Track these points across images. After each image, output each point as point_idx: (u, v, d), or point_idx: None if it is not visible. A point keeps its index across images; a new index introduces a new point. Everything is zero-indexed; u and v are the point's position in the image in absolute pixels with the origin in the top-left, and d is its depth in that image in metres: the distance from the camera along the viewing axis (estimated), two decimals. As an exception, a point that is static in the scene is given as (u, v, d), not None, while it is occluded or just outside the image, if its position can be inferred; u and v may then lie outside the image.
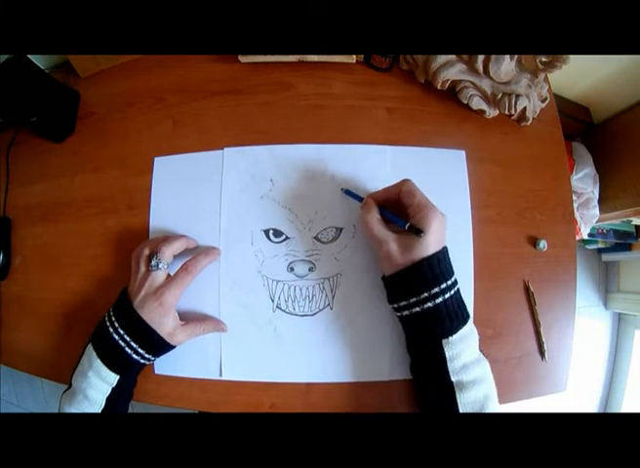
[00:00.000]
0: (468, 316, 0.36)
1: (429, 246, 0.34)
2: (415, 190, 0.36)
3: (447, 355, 0.34)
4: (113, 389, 0.37)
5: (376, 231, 0.36)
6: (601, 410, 1.26)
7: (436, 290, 0.34)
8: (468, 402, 0.33)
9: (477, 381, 0.34)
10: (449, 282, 0.35)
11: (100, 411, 0.37)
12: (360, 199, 0.41)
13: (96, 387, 0.37)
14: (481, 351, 0.37)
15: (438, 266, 0.34)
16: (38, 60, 0.50)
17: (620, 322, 1.28)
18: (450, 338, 0.34)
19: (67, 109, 0.51)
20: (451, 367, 0.34)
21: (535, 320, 0.43)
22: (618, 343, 1.27)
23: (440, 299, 0.34)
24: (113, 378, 0.37)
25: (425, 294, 0.34)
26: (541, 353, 0.43)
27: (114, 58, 0.52)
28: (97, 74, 0.53)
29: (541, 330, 0.43)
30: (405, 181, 0.37)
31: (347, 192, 0.42)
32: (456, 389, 0.34)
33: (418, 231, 0.34)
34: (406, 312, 0.35)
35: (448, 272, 0.35)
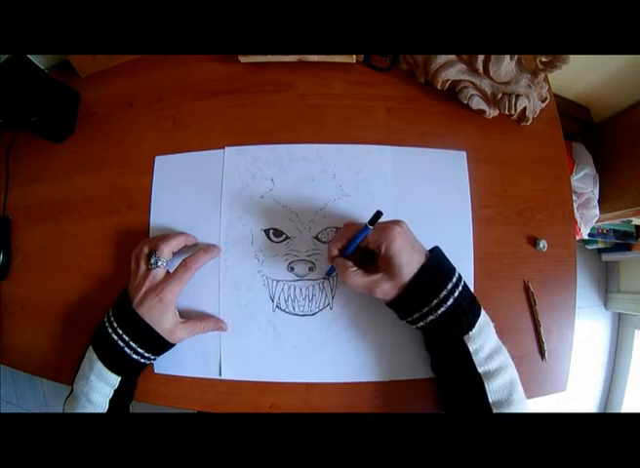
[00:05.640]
0: (480, 306, 0.36)
1: (411, 264, 0.34)
2: (355, 224, 0.37)
3: (471, 349, 0.34)
4: (115, 391, 0.37)
5: (362, 284, 0.36)
6: (601, 410, 1.26)
7: (444, 292, 0.34)
8: (497, 389, 0.34)
9: (502, 368, 0.35)
10: (453, 279, 0.35)
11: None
12: (332, 270, 0.41)
13: (98, 390, 0.37)
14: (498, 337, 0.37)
15: (433, 274, 0.35)
16: (38, 60, 0.50)
17: (620, 322, 1.28)
18: (470, 333, 0.35)
19: (67, 109, 0.51)
20: (476, 359, 0.34)
21: (535, 320, 0.43)
22: (618, 343, 1.27)
23: (451, 300, 0.34)
24: (115, 380, 0.37)
25: (435, 301, 0.34)
26: (541, 353, 0.43)
27: (114, 58, 0.52)
28: (97, 74, 0.53)
29: (541, 330, 0.43)
30: (347, 223, 0.39)
31: (329, 273, 0.42)
32: (484, 379, 0.34)
33: (377, 215, 0.35)
34: (421, 323, 0.36)
35: (448, 272, 0.36)
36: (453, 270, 0.36)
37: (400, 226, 0.36)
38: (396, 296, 0.35)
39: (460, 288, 0.35)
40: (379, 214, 0.35)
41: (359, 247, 0.37)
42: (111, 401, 0.37)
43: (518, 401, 0.34)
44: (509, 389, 0.34)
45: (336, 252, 0.38)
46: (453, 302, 0.34)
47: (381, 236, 0.35)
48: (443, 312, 0.34)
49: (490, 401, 0.34)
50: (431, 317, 0.35)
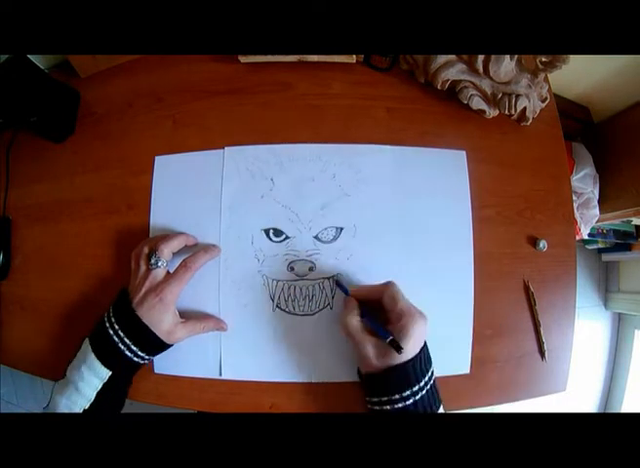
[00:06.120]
0: (440, 402, 0.36)
1: (408, 352, 0.34)
2: (397, 295, 0.36)
3: None
4: (104, 384, 0.37)
5: (353, 333, 0.36)
6: (601, 410, 1.26)
7: (416, 388, 0.34)
8: None
9: None
10: (427, 376, 0.35)
11: (88, 405, 0.37)
12: (346, 292, 0.40)
13: (87, 381, 0.37)
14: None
15: (417, 368, 0.34)
16: (38, 60, 0.50)
17: (620, 322, 1.28)
18: None
19: (67, 109, 0.51)
20: None
21: (535, 320, 0.43)
22: (618, 343, 1.27)
23: (419, 396, 0.34)
24: (105, 373, 0.37)
25: (407, 392, 0.34)
26: (541, 353, 0.43)
27: (114, 58, 0.52)
28: (97, 74, 0.53)
29: (541, 330, 0.43)
30: (388, 285, 0.37)
31: (337, 283, 0.42)
32: None
33: (398, 348, 0.34)
34: (382, 407, 0.35)
35: (426, 368, 0.35)
36: (430, 365, 0.36)
37: (425, 322, 0.35)
38: (373, 373, 0.35)
39: (430, 385, 0.35)
40: (400, 348, 0.34)
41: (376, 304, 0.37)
42: (99, 393, 0.37)
43: None
44: None
45: (354, 303, 0.38)
46: (419, 398, 0.34)
47: (404, 318, 0.34)
48: (409, 405, 0.33)
49: None
50: (399, 405, 0.34)
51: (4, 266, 0.48)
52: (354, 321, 0.37)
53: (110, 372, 0.37)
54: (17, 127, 0.50)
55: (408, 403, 0.34)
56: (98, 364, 0.37)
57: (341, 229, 0.43)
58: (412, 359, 0.34)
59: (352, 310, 0.38)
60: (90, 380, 0.37)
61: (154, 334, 0.38)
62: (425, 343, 0.36)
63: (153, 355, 0.40)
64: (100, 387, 0.37)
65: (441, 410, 0.36)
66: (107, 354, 0.37)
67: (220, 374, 0.42)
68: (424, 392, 0.34)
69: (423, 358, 0.35)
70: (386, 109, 0.47)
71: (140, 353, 0.38)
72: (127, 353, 0.37)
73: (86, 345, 0.38)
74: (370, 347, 0.35)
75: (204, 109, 0.48)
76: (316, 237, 0.43)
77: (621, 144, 0.86)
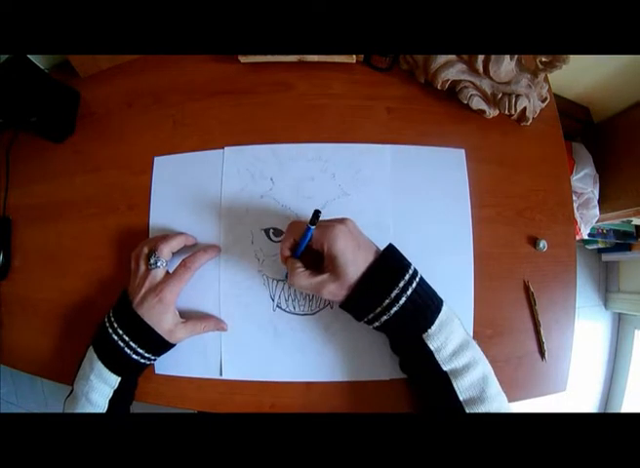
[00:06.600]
0: (441, 302, 0.35)
1: (356, 262, 0.34)
2: (300, 222, 0.36)
3: (432, 348, 0.34)
4: (115, 391, 0.37)
5: (307, 285, 0.35)
6: (601, 410, 1.26)
7: (395, 291, 0.33)
8: (466, 387, 0.33)
9: (470, 365, 0.34)
10: (406, 276, 0.34)
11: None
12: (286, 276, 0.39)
13: (98, 390, 0.37)
14: (467, 332, 0.36)
15: (382, 272, 0.34)
16: (38, 60, 0.50)
17: (620, 322, 1.28)
18: (429, 331, 0.34)
19: (67, 109, 0.51)
20: (439, 358, 0.34)
21: (535, 320, 0.43)
22: (618, 343, 1.27)
23: (404, 299, 0.33)
24: (115, 380, 0.37)
25: (387, 300, 0.33)
26: (541, 353, 0.43)
27: (114, 58, 0.52)
28: (97, 74, 0.53)
29: (541, 330, 0.43)
30: (292, 223, 0.38)
31: (286, 276, 0.40)
32: (450, 377, 0.33)
33: (316, 214, 0.34)
34: (376, 323, 0.35)
35: (400, 269, 0.34)
36: (407, 267, 0.35)
37: (344, 224, 0.35)
38: (345, 298, 0.35)
39: (415, 284, 0.34)
40: (317, 212, 0.34)
41: (311, 247, 0.36)
42: (111, 401, 0.37)
43: (492, 396, 0.33)
44: (481, 386, 0.33)
45: (287, 252, 0.37)
46: (406, 301, 0.33)
47: (323, 235, 0.34)
48: (397, 311, 0.33)
49: (460, 399, 0.33)
50: (385, 317, 0.34)
51: (4, 266, 0.48)
52: (301, 275, 0.35)
53: (120, 379, 0.37)
54: (17, 127, 0.51)
55: (402, 301, 0.33)
56: (106, 371, 0.37)
57: (341, 229, 0.43)
58: (373, 262, 0.34)
59: (292, 267, 0.36)
60: (101, 389, 0.37)
61: (156, 333, 0.38)
62: (389, 245, 0.35)
63: (156, 354, 0.40)
64: (111, 395, 0.37)
65: (445, 308, 0.35)
66: (113, 359, 0.37)
67: (221, 374, 0.42)
68: (414, 285, 0.34)
69: (389, 259, 0.35)
70: (386, 109, 0.47)
71: (139, 350, 0.38)
72: (129, 352, 0.37)
73: (90, 353, 0.38)
74: (329, 284, 0.34)
75: (204, 109, 0.48)
76: (316, 237, 0.43)
77: (621, 144, 0.86)
